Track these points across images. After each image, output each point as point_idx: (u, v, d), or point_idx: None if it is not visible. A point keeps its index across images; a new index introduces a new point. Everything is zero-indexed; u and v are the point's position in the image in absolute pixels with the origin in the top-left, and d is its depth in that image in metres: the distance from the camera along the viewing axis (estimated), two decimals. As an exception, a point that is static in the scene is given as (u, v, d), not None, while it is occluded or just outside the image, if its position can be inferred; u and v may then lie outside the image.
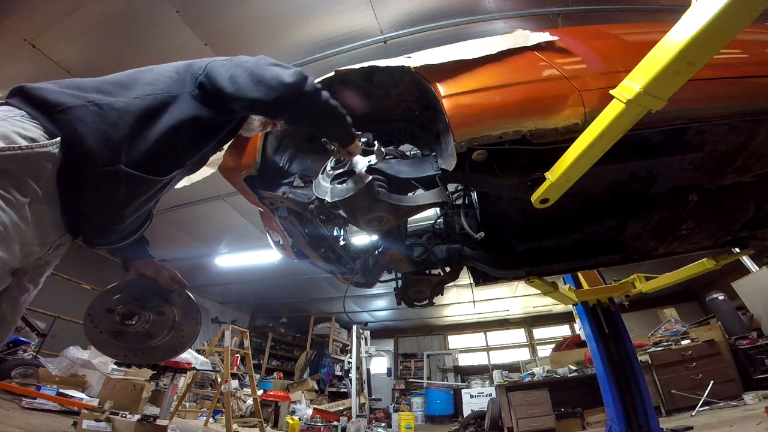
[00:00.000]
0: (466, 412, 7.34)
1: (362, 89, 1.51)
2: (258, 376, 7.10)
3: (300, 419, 5.92)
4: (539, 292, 2.59)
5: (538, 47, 1.33)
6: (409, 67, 1.29)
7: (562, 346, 7.49)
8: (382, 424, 7.53)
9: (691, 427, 3.73)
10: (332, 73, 1.41)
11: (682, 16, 0.78)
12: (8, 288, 0.90)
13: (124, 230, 1.09)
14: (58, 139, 0.85)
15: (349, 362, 8.90)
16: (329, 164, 1.34)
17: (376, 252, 1.86)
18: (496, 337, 11.17)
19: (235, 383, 5.85)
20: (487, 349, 11.01)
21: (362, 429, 6.14)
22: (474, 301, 8.86)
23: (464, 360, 10.80)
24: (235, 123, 1.23)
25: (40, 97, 0.88)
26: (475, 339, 11.26)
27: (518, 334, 10.96)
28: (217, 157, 1.59)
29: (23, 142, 0.81)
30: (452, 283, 2.05)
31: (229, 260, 7.20)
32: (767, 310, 5.37)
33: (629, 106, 0.90)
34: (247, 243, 6.56)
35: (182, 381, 5.11)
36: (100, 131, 0.89)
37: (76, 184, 0.90)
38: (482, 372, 9.62)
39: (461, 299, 8.97)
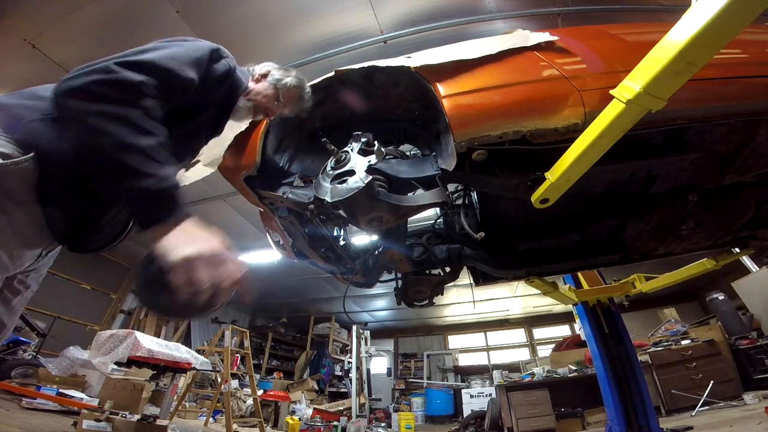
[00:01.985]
0: (466, 412, 7.34)
1: (362, 89, 1.51)
2: (258, 376, 7.10)
3: (300, 419, 5.92)
4: (539, 292, 2.59)
5: (538, 47, 1.33)
6: (409, 67, 1.29)
7: (562, 346, 7.48)
8: (382, 424, 7.53)
9: (691, 427, 3.73)
10: (332, 73, 1.41)
11: (682, 16, 0.78)
12: (1, 291, 0.91)
13: (105, 237, 1.07)
14: (32, 153, 0.83)
15: (349, 362, 8.90)
16: (329, 164, 1.34)
17: (376, 252, 1.86)
18: (496, 337, 11.17)
19: (235, 383, 5.85)
20: (487, 349, 11.00)
21: (362, 429, 6.14)
22: (474, 301, 8.86)
23: (464, 360, 10.80)
24: (215, 110, 1.15)
25: (3, 112, 0.86)
26: (475, 339, 11.26)
27: (518, 334, 10.96)
28: (217, 156, 1.59)
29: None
30: (452, 283, 2.05)
31: (229, 260, 7.18)
32: (767, 310, 5.37)
33: (629, 106, 0.90)
34: (247, 243, 6.56)
35: (182, 381, 5.11)
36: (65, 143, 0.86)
37: (55, 196, 0.89)
38: (482, 372, 9.62)
39: (461, 299, 8.97)
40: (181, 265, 0.70)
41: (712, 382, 4.75)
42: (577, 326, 7.14)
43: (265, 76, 1.33)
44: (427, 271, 2.04)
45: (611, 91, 0.95)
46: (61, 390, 3.96)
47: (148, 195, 0.75)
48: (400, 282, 2.13)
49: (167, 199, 0.77)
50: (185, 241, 0.73)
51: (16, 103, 0.89)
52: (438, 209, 2.02)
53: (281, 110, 1.36)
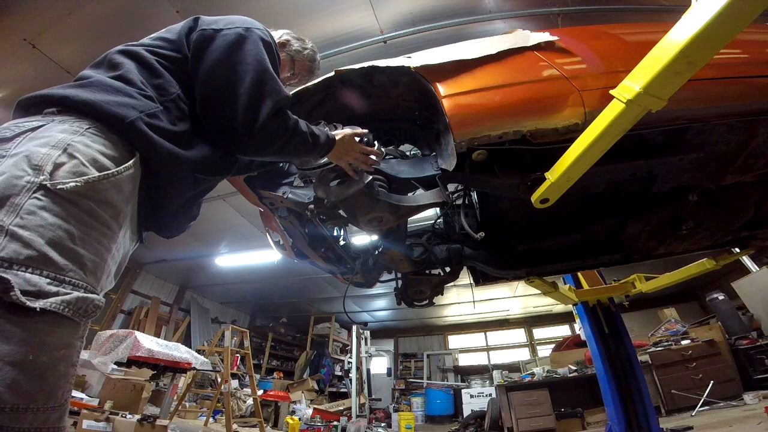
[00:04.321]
0: (466, 412, 7.34)
1: (362, 89, 1.51)
2: (258, 376, 7.11)
3: (300, 419, 5.92)
4: (539, 292, 2.59)
5: (538, 47, 1.33)
6: (409, 67, 1.29)
7: (562, 346, 7.49)
8: (382, 424, 7.53)
9: (691, 427, 3.73)
10: (332, 73, 1.40)
11: (682, 16, 0.78)
12: None
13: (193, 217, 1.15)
14: (137, 155, 0.83)
15: (349, 362, 8.90)
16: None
17: (376, 252, 1.86)
18: (496, 337, 11.17)
19: (235, 383, 5.86)
20: (487, 349, 11.01)
21: (362, 429, 6.14)
22: (474, 301, 8.86)
23: (464, 360, 10.81)
24: None
25: (98, 108, 0.82)
26: (475, 339, 11.26)
27: (518, 334, 10.96)
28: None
29: (113, 167, 0.77)
30: (452, 283, 2.05)
31: (229, 260, 7.20)
32: (767, 310, 5.37)
33: (629, 106, 0.90)
34: (247, 243, 6.56)
35: (182, 381, 5.12)
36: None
37: (152, 196, 0.91)
38: (482, 372, 9.62)
39: (461, 299, 8.97)
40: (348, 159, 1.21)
41: (712, 382, 4.75)
42: (577, 326, 7.14)
43: (284, 45, 1.33)
44: (427, 271, 2.04)
45: (611, 91, 0.95)
46: (61, 390, 3.95)
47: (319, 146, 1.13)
48: (400, 282, 2.13)
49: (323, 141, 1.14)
50: (342, 151, 1.19)
51: (110, 99, 0.83)
52: (438, 209, 2.02)
53: (290, 81, 1.39)
